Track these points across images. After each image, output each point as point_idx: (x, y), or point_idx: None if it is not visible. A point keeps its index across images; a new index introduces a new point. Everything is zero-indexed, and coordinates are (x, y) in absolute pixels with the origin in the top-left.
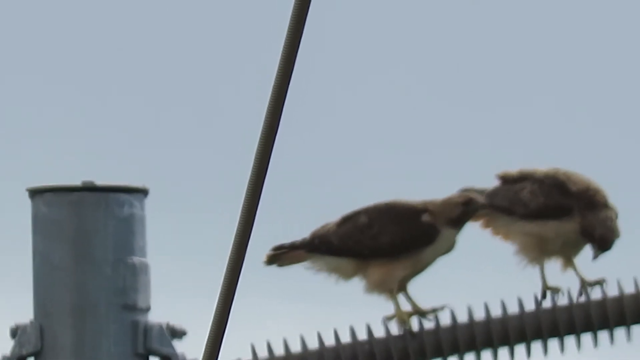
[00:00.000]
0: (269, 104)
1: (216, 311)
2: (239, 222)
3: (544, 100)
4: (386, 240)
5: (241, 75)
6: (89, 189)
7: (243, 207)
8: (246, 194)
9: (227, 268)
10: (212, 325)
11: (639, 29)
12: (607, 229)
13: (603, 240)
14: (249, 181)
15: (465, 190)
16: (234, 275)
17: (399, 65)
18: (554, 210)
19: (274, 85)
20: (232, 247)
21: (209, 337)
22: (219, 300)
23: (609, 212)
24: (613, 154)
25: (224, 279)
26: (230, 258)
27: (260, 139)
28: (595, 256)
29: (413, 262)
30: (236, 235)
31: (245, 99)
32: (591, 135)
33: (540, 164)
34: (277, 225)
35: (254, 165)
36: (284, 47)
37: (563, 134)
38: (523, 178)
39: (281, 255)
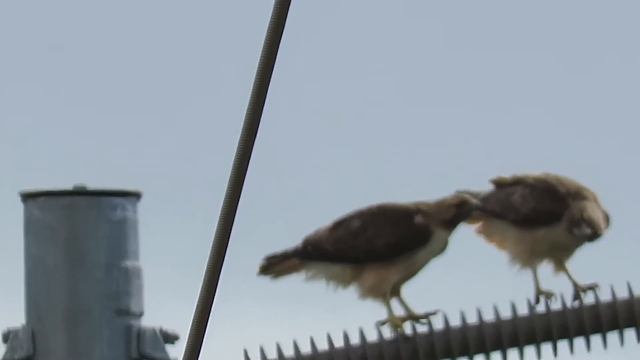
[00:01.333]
0: (249, 106)
1: (195, 315)
2: (218, 225)
3: (538, 102)
4: (381, 243)
5: (239, 75)
6: (81, 192)
7: (222, 209)
8: (225, 197)
9: (205, 272)
10: (191, 329)
11: (629, 34)
12: (593, 212)
13: (590, 221)
14: (228, 183)
15: (460, 192)
16: (213, 279)
17: (390, 65)
18: (544, 215)
19: (253, 87)
20: (211, 250)
21: (187, 341)
22: (197, 305)
23: (598, 206)
24: (605, 158)
25: (203, 283)
26: (209, 261)
27: (240, 141)
28: (585, 235)
29: (407, 264)
30: (215, 238)
31: (242, 99)
32: (584, 139)
33: (534, 168)
34: (270, 230)
35: (232, 168)
36: (264, 47)
37: (557, 136)
38: (516, 183)
39: (274, 265)
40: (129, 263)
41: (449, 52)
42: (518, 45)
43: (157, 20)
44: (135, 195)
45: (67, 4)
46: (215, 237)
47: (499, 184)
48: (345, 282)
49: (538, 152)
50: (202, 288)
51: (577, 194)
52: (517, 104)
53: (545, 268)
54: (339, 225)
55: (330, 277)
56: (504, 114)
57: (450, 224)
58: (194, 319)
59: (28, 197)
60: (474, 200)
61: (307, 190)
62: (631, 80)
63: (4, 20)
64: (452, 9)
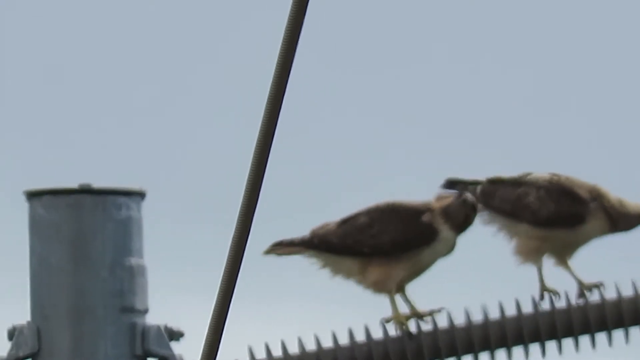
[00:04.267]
0: (267, 104)
1: (214, 313)
2: (237, 224)
3: (531, 104)
4: (386, 239)
5: (240, 75)
6: (87, 191)
7: (241, 207)
8: (244, 194)
9: (224, 270)
10: (209, 328)
11: (618, 30)
12: (631, 209)
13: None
14: (248, 180)
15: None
16: (232, 277)
17: (399, 60)
18: (566, 217)
19: (272, 83)
20: (230, 247)
21: (206, 338)
22: (216, 303)
23: (617, 198)
24: (606, 154)
25: (222, 281)
26: (228, 258)
27: (258, 139)
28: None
29: (412, 262)
30: (234, 236)
31: (243, 100)
32: (583, 138)
33: (523, 167)
34: (276, 224)
35: (252, 165)
36: (281, 48)
37: (556, 136)
38: (520, 184)
39: (279, 249)
40: (133, 261)
41: (451, 53)
42: (517, 48)
43: (163, 20)
44: (140, 195)
45: (76, 6)
46: (234, 237)
47: (496, 183)
48: (349, 276)
49: (536, 151)
50: (220, 288)
51: (598, 195)
52: (516, 105)
53: (550, 266)
54: (346, 220)
55: (335, 271)
56: (503, 114)
57: (457, 224)
58: (211, 319)
59: (33, 196)
60: (471, 196)
61: (314, 189)
62: (630, 78)
63: (9, 18)
64: (443, 7)
